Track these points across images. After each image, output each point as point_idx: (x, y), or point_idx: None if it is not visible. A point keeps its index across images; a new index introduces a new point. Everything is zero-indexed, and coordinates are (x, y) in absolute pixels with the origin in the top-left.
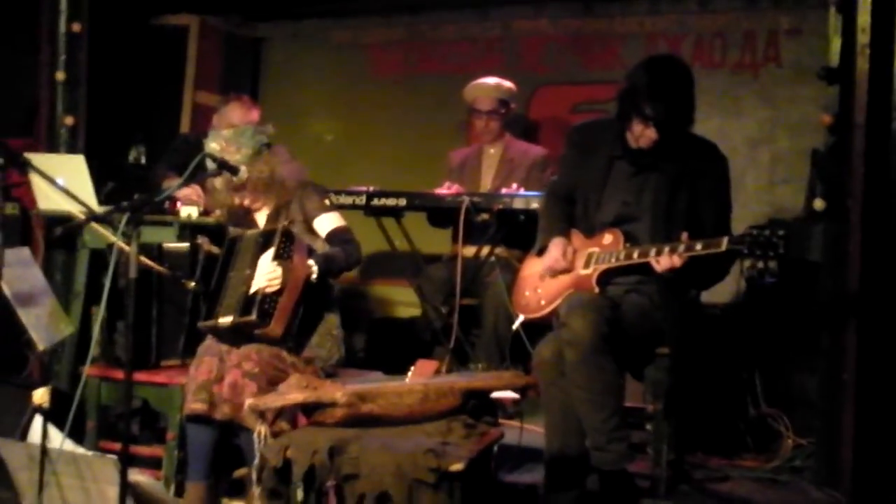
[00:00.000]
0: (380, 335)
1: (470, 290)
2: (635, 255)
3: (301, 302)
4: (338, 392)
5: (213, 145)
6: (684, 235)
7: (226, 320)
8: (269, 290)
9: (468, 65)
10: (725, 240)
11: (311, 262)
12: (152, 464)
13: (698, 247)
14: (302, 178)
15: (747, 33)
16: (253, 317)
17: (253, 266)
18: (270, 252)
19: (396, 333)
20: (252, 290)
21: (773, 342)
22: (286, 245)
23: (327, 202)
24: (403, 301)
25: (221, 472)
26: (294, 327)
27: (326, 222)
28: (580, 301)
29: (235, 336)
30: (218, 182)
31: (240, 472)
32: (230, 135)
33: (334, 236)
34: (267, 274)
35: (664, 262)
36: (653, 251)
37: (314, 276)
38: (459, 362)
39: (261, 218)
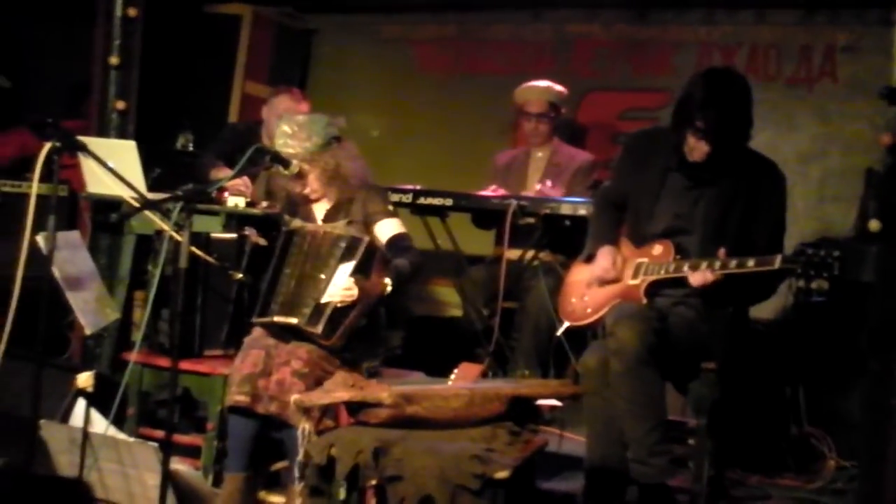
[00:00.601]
0: (419, 333)
1: (512, 294)
2: (685, 267)
3: (366, 316)
4: (384, 392)
5: (284, 128)
6: (721, 252)
7: (288, 321)
8: (341, 304)
9: (518, 66)
10: (779, 258)
11: (386, 280)
12: (191, 452)
13: (750, 263)
14: (365, 177)
15: (803, 47)
16: (319, 330)
17: (329, 272)
18: (351, 265)
19: (436, 333)
20: (324, 300)
21: (819, 361)
22: (368, 261)
23: (390, 207)
24: (444, 301)
25: (260, 464)
26: (352, 342)
27: (388, 228)
28: (628, 311)
29: (288, 333)
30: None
31: (278, 466)
32: (303, 121)
33: (395, 243)
34: (344, 288)
35: (698, 277)
36: (704, 265)
37: (387, 292)
38: (499, 365)
39: (319, 210)
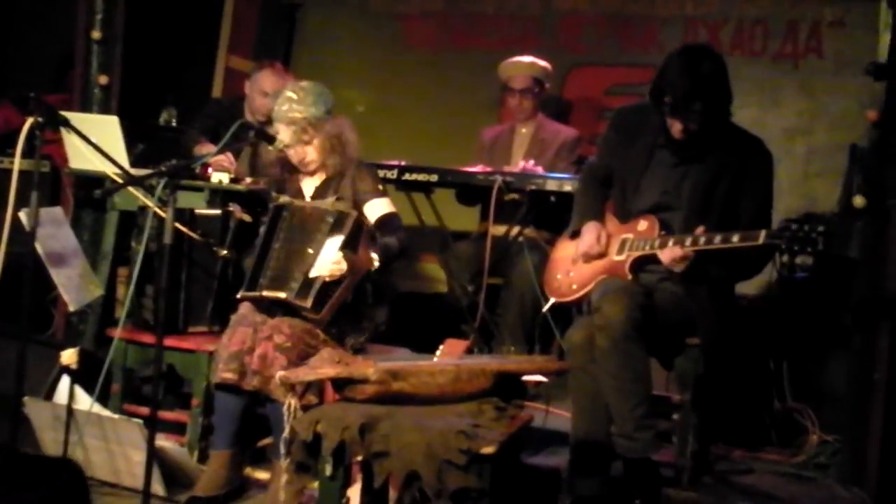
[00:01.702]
0: (404, 310)
1: (497, 270)
2: (670, 243)
3: (352, 291)
4: (370, 369)
5: (288, 94)
6: (700, 229)
7: (277, 295)
8: (329, 278)
9: (504, 41)
10: (763, 233)
11: (374, 255)
12: (176, 429)
13: (735, 238)
14: (358, 154)
15: (790, 23)
16: (308, 303)
17: (317, 246)
18: (339, 239)
19: (421, 309)
20: (313, 273)
21: (803, 337)
22: (356, 235)
23: (380, 186)
24: (429, 277)
25: (246, 441)
26: (336, 313)
27: (378, 207)
28: (614, 287)
29: (276, 307)
30: (282, 133)
31: (264, 442)
32: (308, 86)
33: (385, 223)
34: (333, 262)
35: (666, 254)
36: (688, 240)
37: (374, 268)
38: (484, 341)
39: (307, 187)
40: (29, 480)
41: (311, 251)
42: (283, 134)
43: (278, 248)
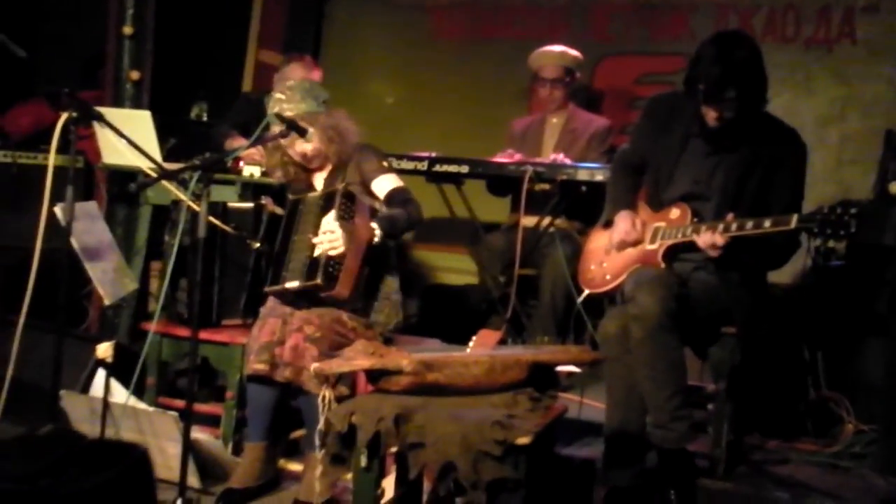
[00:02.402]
0: (434, 301)
1: (528, 261)
2: (703, 230)
3: (365, 263)
4: (404, 360)
5: (277, 96)
6: (730, 216)
7: (292, 285)
8: (331, 252)
9: (533, 31)
10: (795, 217)
11: (373, 224)
12: (210, 421)
13: (767, 224)
14: (359, 140)
15: (822, 8)
16: (318, 280)
17: (315, 229)
18: (332, 214)
19: (451, 300)
20: (315, 254)
21: (838, 325)
22: (347, 206)
23: (385, 164)
24: (460, 268)
25: (280, 433)
26: (360, 288)
27: (385, 183)
28: (648, 276)
29: (303, 299)
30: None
31: (297, 434)
32: (294, 84)
33: (393, 197)
34: (329, 236)
35: (705, 238)
36: (720, 227)
37: (377, 238)
38: (516, 333)
39: (319, 181)
40: (96, 464)
41: (311, 236)
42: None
43: (297, 240)
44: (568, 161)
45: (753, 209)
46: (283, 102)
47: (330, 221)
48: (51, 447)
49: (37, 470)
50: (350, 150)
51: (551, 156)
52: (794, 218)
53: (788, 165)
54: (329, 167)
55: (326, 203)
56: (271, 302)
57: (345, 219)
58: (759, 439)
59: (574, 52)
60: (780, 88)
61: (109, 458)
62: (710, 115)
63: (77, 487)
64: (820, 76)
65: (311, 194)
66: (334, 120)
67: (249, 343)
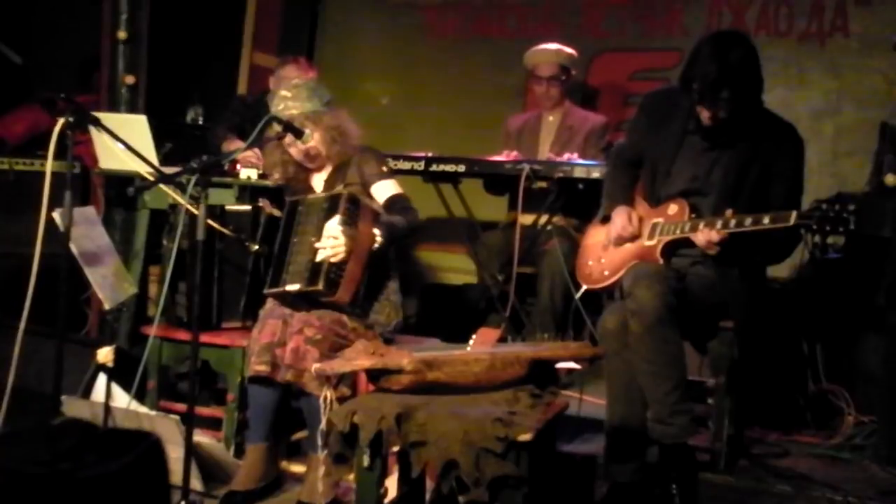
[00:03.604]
0: (433, 301)
1: (527, 259)
2: (701, 226)
3: (367, 269)
4: (404, 359)
5: (282, 93)
6: (729, 212)
7: (293, 287)
8: (334, 258)
9: (527, 29)
10: (794, 214)
11: (376, 230)
12: (212, 424)
13: (766, 220)
14: (360, 141)
15: (814, 2)
16: (320, 286)
17: (318, 232)
18: (336, 219)
19: (450, 299)
20: (318, 259)
21: (836, 318)
22: (352, 211)
23: (385, 168)
24: (458, 267)
25: (281, 434)
26: (361, 294)
27: (385, 189)
28: (646, 271)
29: (303, 301)
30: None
31: (299, 435)
32: (300, 83)
33: (393, 203)
34: (332, 241)
35: (700, 237)
36: (719, 223)
37: (378, 244)
38: (515, 330)
39: (317, 182)
40: (112, 450)
41: (313, 239)
42: (289, 136)
43: (296, 241)
44: (576, 158)
45: (752, 204)
46: (289, 100)
47: (334, 226)
48: (66, 435)
49: (54, 455)
50: (351, 152)
51: (548, 154)
52: (794, 215)
53: (786, 160)
54: (329, 168)
55: (331, 207)
56: (270, 303)
57: (349, 224)
58: (760, 432)
59: (569, 50)
60: (774, 82)
61: (124, 445)
62: (704, 115)
63: (96, 471)
64: (813, 70)
65: (312, 195)
66: (337, 121)
67: (250, 345)
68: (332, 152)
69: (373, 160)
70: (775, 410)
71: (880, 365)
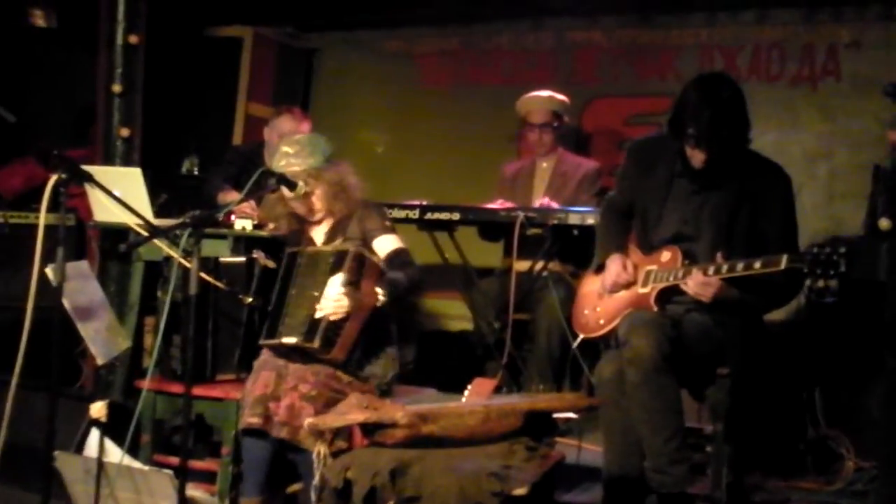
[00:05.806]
0: (430, 348)
1: (523, 305)
2: (694, 272)
3: (366, 327)
4: (398, 413)
5: (284, 149)
6: (719, 256)
7: (289, 340)
8: (333, 317)
9: (521, 76)
10: (785, 258)
11: (378, 289)
12: (206, 478)
13: (757, 265)
14: (362, 195)
15: (806, 46)
16: (316, 344)
17: (320, 287)
18: (340, 277)
19: (447, 347)
20: (318, 315)
21: (835, 362)
22: (357, 270)
23: (387, 223)
24: (454, 314)
25: (276, 487)
26: (356, 352)
27: (386, 243)
28: (641, 319)
29: (297, 354)
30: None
31: (294, 488)
32: (304, 139)
33: (394, 258)
34: (335, 300)
35: (693, 283)
36: (711, 269)
37: (380, 303)
38: (512, 378)
39: (318, 235)
40: None
41: (316, 294)
42: (286, 189)
43: (294, 294)
44: (555, 205)
45: (749, 245)
46: (290, 157)
47: (337, 285)
48: None
49: None
50: (353, 206)
51: (538, 201)
52: (784, 258)
53: (774, 197)
54: (330, 221)
55: (336, 263)
56: (265, 354)
57: (353, 284)
58: (760, 479)
59: (561, 97)
60: (767, 126)
61: None
62: (698, 158)
63: None
64: (806, 113)
65: (313, 248)
66: (339, 175)
67: (244, 396)
68: (334, 207)
69: (375, 215)
70: (775, 456)
71: (880, 409)
